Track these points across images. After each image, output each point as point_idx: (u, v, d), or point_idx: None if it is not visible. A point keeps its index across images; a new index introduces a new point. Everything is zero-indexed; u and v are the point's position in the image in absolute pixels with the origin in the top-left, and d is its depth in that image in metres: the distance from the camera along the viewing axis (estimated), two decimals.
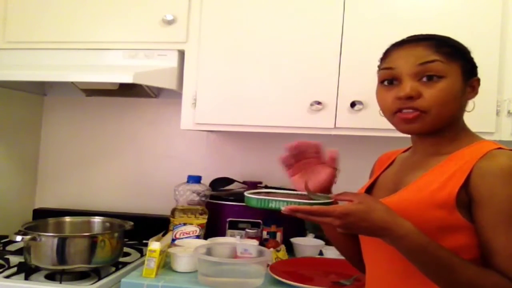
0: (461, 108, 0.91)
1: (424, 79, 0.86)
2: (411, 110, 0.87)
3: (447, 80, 0.86)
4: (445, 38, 0.90)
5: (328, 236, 1.10)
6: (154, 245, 1.39)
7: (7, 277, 1.39)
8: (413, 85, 0.86)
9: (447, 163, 0.88)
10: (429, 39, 0.89)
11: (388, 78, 0.91)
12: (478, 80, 0.92)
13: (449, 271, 0.79)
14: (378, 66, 0.96)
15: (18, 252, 1.59)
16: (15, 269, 1.45)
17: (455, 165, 0.85)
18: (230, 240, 1.63)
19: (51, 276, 1.41)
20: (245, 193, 0.90)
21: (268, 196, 0.88)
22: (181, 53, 1.68)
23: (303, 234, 1.79)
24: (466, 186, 0.82)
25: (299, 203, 0.83)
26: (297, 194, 0.95)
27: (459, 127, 0.92)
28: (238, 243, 1.54)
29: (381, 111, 0.95)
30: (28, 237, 1.35)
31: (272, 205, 0.85)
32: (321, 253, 1.67)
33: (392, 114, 0.90)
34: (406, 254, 0.81)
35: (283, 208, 0.82)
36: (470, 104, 0.93)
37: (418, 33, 0.93)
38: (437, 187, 0.84)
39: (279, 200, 0.84)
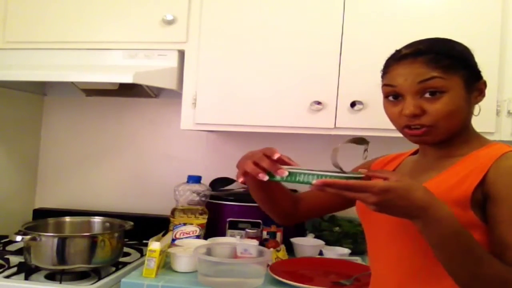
0: (469, 113, 0.92)
1: (427, 95, 0.87)
2: (418, 127, 0.88)
3: (449, 94, 0.86)
4: (444, 48, 0.89)
5: (254, 194, 1.06)
6: (154, 245, 1.39)
7: (7, 277, 1.39)
8: (416, 103, 0.87)
9: (461, 164, 0.89)
10: (426, 52, 0.88)
11: (391, 94, 0.92)
12: (485, 82, 0.92)
13: (476, 262, 0.78)
14: (382, 77, 0.96)
15: (18, 252, 1.58)
16: (15, 269, 1.44)
17: (470, 165, 0.87)
18: (230, 240, 1.63)
19: (51, 276, 1.41)
20: None
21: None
22: (181, 53, 1.68)
23: (303, 234, 1.80)
24: (482, 185, 0.83)
25: (331, 177, 0.77)
26: (321, 171, 0.85)
27: (468, 130, 0.93)
28: (238, 243, 1.54)
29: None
30: (28, 237, 1.35)
31: (300, 178, 0.79)
32: (321, 253, 1.67)
33: (401, 128, 0.92)
34: (436, 240, 0.78)
35: (314, 181, 0.76)
36: (476, 108, 0.93)
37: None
38: (452, 185, 0.85)
39: (309, 173, 0.78)
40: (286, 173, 0.82)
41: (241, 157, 0.94)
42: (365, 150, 0.95)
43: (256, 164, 0.87)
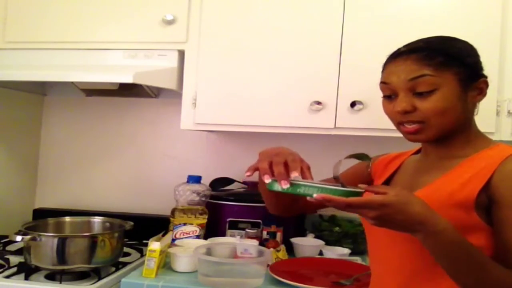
0: (466, 112, 0.90)
1: (417, 92, 0.87)
2: (411, 124, 0.89)
3: (440, 91, 0.86)
4: (440, 45, 0.89)
5: (261, 184, 1.05)
6: (154, 245, 1.39)
7: (7, 277, 1.39)
8: (407, 100, 0.88)
9: (464, 165, 0.88)
10: (420, 50, 0.88)
11: (387, 91, 0.93)
12: (485, 81, 0.91)
13: (479, 268, 0.78)
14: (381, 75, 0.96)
15: (18, 252, 1.59)
16: (15, 269, 1.44)
17: (474, 167, 0.86)
18: (230, 240, 1.63)
19: (51, 276, 1.41)
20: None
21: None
22: (181, 53, 1.68)
23: (303, 234, 1.80)
24: (486, 188, 0.83)
25: (331, 190, 0.77)
26: (322, 183, 0.85)
27: (471, 130, 0.93)
28: (238, 243, 1.54)
29: None
30: (28, 237, 1.35)
31: (301, 190, 0.79)
32: (321, 253, 1.67)
33: (397, 125, 0.93)
34: (437, 250, 0.79)
35: (315, 195, 0.77)
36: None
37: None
38: (456, 188, 0.84)
39: (309, 186, 0.78)
40: (288, 186, 0.82)
41: (269, 148, 0.93)
42: (368, 166, 0.98)
43: (270, 165, 0.87)
